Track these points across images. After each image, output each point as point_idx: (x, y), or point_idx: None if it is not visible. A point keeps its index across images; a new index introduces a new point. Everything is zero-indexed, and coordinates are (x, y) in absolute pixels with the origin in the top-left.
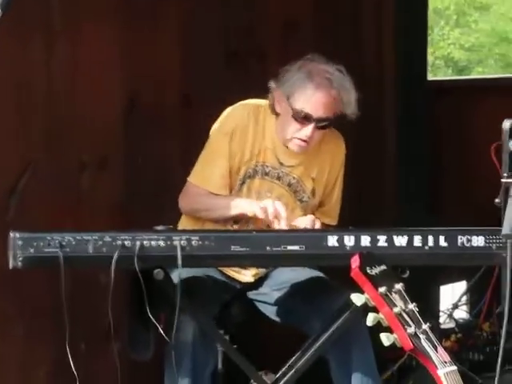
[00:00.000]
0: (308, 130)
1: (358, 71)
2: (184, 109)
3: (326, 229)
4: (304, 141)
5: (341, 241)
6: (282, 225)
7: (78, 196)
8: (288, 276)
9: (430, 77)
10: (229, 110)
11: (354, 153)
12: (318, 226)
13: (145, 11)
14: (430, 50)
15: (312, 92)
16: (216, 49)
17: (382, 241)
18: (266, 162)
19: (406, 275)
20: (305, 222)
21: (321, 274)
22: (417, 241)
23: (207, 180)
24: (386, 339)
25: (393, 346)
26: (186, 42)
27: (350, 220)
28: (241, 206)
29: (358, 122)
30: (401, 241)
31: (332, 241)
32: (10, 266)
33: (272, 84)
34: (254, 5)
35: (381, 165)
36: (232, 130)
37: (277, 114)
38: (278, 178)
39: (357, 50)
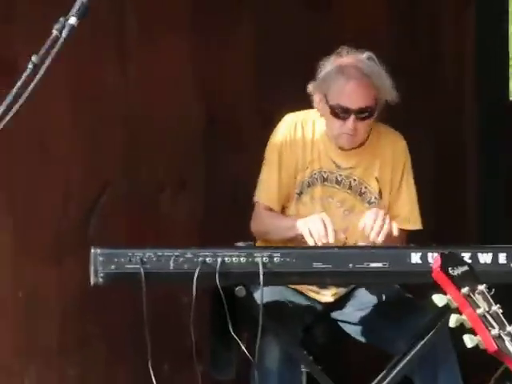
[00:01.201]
0: (350, 123)
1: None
2: (260, 124)
3: (409, 246)
4: (350, 134)
5: (424, 258)
6: (330, 239)
7: (157, 215)
8: (372, 295)
9: None
10: (279, 124)
11: (436, 169)
12: (381, 216)
13: (218, 26)
14: None
15: (344, 84)
16: (291, 63)
17: (466, 258)
18: (322, 167)
19: (491, 293)
20: (369, 217)
21: (405, 293)
22: (502, 258)
23: (262, 195)
24: (469, 341)
25: (480, 369)
26: (260, 57)
27: (430, 234)
28: (296, 227)
29: (439, 135)
30: (485, 258)
31: (415, 258)
32: (92, 282)
33: (310, 86)
34: (332, 16)
35: (463, 183)
36: (281, 142)
37: (321, 116)
38: (338, 182)
39: (438, 80)
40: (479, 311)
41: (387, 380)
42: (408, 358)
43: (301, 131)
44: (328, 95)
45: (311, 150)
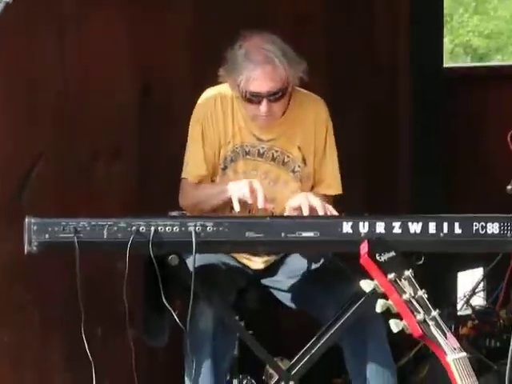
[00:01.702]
0: (263, 106)
1: (371, 59)
2: (195, 99)
3: (341, 216)
4: (265, 116)
5: (355, 227)
6: (259, 202)
7: (92, 183)
8: (303, 263)
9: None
10: (199, 99)
11: (367, 141)
12: (313, 199)
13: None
14: (449, 38)
15: (251, 70)
16: (227, 39)
17: (396, 227)
18: (244, 141)
19: (421, 262)
20: (298, 200)
21: (335, 261)
22: (431, 228)
23: (191, 171)
24: (394, 326)
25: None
26: (196, 32)
27: (364, 208)
28: (227, 190)
29: (372, 110)
30: (415, 227)
31: (346, 227)
32: (25, 251)
33: (221, 71)
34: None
35: (394, 152)
36: (202, 117)
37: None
38: (260, 155)
39: (369, 37)
40: (405, 296)
41: (317, 347)
42: (337, 325)
43: (220, 106)
44: (238, 81)
45: (232, 125)
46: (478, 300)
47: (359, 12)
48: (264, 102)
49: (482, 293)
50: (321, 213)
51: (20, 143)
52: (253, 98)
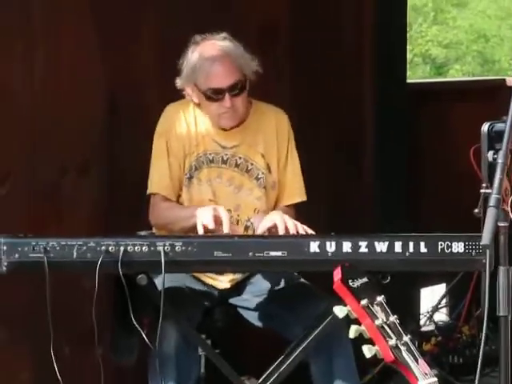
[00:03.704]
0: (226, 101)
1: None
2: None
3: (308, 235)
4: (229, 113)
5: (322, 247)
6: (224, 229)
7: (60, 201)
8: (269, 282)
9: (409, 75)
10: (162, 114)
11: (332, 152)
12: (288, 219)
13: (122, 13)
14: (408, 48)
15: (209, 67)
16: None
17: (363, 247)
18: (207, 150)
19: (387, 281)
20: (272, 220)
21: (302, 280)
22: (397, 247)
23: (156, 186)
24: (367, 351)
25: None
26: (163, 42)
27: (327, 226)
28: (194, 216)
29: (337, 119)
30: (382, 247)
31: (314, 247)
32: None
33: (177, 81)
34: (231, 7)
35: (359, 168)
36: (166, 129)
37: (199, 105)
38: (224, 162)
39: (336, 48)
40: (377, 322)
41: (284, 365)
42: (304, 344)
43: (183, 118)
44: (197, 83)
45: (195, 135)
46: (441, 316)
47: (326, 22)
48: (226, 97)
49: (444, 309)
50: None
51: None
52: (215, 96)
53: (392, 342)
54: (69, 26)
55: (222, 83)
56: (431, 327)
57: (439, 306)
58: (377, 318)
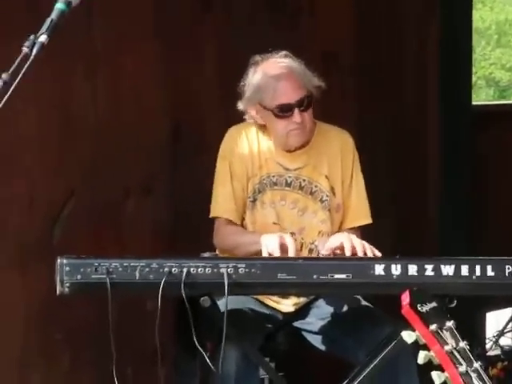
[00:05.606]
0: (296, 116)
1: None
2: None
3: (373, 257)
4: (299, 129)
5: (388, 270)
6: (290, 254)
7: (122, 221)
8: (333, 305)
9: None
10: (225, 136)
11: (396, 178)
12: (355, 239)
13: (185, 39)
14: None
15: (276, 84)
16: None
17: (429, 270)
18: (270, 172)
19: (453, 305)
20: (339, 240)
21: (366, 304)
22: (464, 270)
23: (220, 209)
24: (437, 378)
25: None
26: (224, 63)
27: (392, 247)
28: (258, 243)
29: (400, 148)
30: (448, 270)
31: (379, 269)
32: (58, 292)
33: (240, 105)
34: (298, 35)
35: (424, 191)
36: (229, 152)
37: (265, 126)
38: (288, 185)
39: (398, 77)
40: (447, 348)
41: None
42: (368, 369)
43: (246, 141)
44: (263, 102)
45: (258, 157)
46: (507, 340)
47: (388, 50)
48: (296, 112)
49: (510, 333)
50: (365, 254)
51: (51, 181)
52: (284, 112)
53: (462, 368)
54: (131, 49)
55: (291, 99)
56: (497, 351)
57: (505, 331)
58: (446, 343)
